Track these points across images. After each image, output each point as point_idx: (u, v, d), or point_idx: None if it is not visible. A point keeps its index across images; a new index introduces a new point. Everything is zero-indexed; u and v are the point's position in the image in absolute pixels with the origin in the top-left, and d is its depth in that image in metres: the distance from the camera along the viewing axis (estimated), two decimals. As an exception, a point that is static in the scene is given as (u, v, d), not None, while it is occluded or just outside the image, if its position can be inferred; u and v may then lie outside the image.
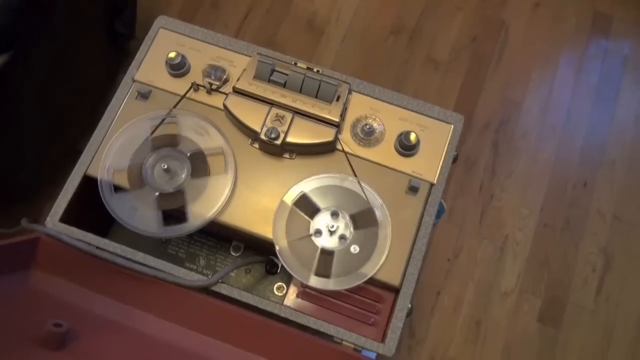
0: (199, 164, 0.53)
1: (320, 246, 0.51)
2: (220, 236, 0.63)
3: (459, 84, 1.19)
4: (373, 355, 0.54)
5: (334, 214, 0.52)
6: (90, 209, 0.54)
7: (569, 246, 1.09)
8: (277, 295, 0.62)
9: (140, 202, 0.52)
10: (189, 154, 0.53)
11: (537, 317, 1.04)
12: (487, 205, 1.10)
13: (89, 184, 0.54)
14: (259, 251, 0.62)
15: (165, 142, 0.53)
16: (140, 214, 0.52)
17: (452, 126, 0.56)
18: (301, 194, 0.52)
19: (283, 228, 0.52)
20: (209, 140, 0.54)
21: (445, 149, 0.55)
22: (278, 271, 0.62)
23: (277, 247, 0.51)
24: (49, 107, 0.89)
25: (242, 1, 1.24)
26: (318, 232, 0.52)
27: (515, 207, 1.11)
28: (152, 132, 0.54)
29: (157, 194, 0.52)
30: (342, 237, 0.51)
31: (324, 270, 0.50)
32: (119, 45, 1.07)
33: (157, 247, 0.63)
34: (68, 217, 0.53)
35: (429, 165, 0.55)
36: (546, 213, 1.11)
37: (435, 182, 0.54)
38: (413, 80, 1.18)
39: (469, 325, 1.02)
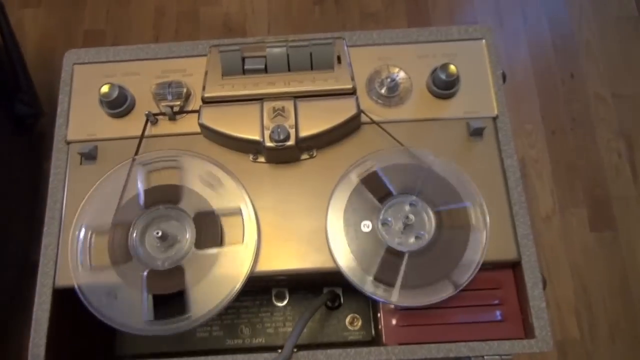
0: (208, 229, 0.38)
1: (403, 249, 0.38)
2: (256, 290, 0.48)
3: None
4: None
5: (411, 204, 0.39)
6: (80, 326, 0.38)
7: (586, 142, 1.00)
8: (354, 330, 0.48)
9: (123, 283, 0.37)
10: (193, 215, 0.38)
11: (589, 227, 0.95)
12: (489, 136, 1.00)
13: (64, 296, 0.39)
14: (308, 289, 0.48)
15: (163, 197, 0.38)
16: (121, 301, 0.37)
17: (483, 40, 0.44)
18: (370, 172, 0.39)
19: (345, 245, 0.38)
20: (224, 195, 0.39)
21: (489, 69, 0.43)
22: (342, 302, 0.49)
23: (344, 269, 0.37)
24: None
25: (146, 32, 1.08)
26: (389, 231, 0.38)
27: (517, 126, 1.01)
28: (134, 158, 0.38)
29: (146, 272, 0.37)
30: (419, 235, 0.38)
31: (417, 280, 0.37)
32: (30, 128, 0.89)
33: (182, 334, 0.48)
34: (54, 354, 0.37)
35: (479, 97, 0.42)
36: (549, 120, 1.02)
37: (496, 113, 0.42)
38: (360, 40, 1.06)
39: (529, 265, 0.92)
